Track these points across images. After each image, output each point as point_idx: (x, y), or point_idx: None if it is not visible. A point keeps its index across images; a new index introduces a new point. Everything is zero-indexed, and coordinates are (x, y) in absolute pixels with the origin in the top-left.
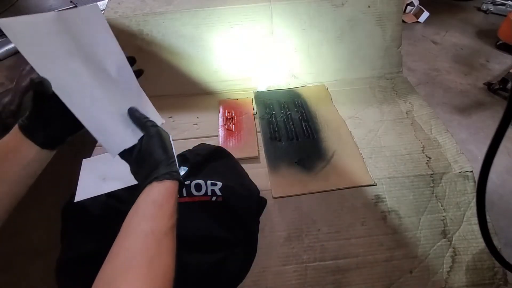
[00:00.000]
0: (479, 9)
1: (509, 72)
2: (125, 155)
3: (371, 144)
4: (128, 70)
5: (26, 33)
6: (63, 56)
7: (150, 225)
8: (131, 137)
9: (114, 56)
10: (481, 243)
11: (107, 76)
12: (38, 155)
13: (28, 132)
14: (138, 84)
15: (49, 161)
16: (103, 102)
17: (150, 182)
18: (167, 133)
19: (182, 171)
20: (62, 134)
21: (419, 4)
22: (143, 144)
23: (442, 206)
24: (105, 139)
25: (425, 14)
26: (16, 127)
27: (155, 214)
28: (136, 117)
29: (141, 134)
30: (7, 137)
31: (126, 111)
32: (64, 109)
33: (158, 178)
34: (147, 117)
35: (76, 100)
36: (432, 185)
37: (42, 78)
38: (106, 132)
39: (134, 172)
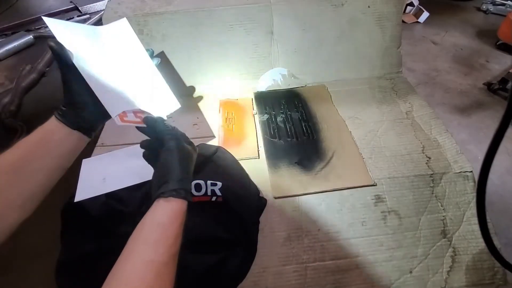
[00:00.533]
0: (479, 9)
1: (509, 72)
2: (150, 158)
3: (371, 144)
4: (147, 60)
5: (61, 24)
6: (85, 41)
7: (150, 253)
8: (128, 104)
9: (135, 51)
10: (481, 243)
11: (122, 61)
12: (69, 137)
13: (60, 115)
14: (157, 71)
15: (82, 148)
16: (112, 75)
17: (158, 197)
18: (192, 149)
19: None
20: (90, 118)
21: (419, 4)
22: (161, 155)
23: (442, 206)
24: (105, 100)
25: (425, 14)
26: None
27: (158, 239)
28: (159, 129)
29: (140, 106)
30: (45, 123)
31: (135, 87)
32: (90, 95)
33: (164, 194)
34: (170, 131)
35: (88, 70)
36: (432, 185)
37: (59, 42)
38: (107, 95)
39: (153, 179)
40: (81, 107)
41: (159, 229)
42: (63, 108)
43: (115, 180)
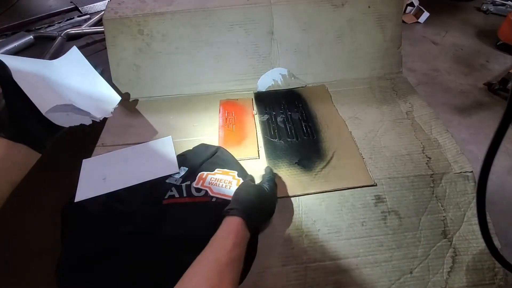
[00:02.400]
0: (479, 10)
1: (509, 72)
2: None
3: (371, 145)
4: (91, 70)
5: (12, 57)
6: (30, 64)
7: (214, 255)
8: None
9: (81, 66)
10: (481, 243)
11: (69, 76)
12: (12, 151)
13: (1, 129)
14: (100, 77)
15: (32, 163)
16: (56, 87)
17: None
18: (271, 192)
19: (182, 171)
20: (35, 131)
21: (419, 4)
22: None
23: (442, 206)
24: (46, 110)
25: (425, 15)
26: None
27: (219, 245)
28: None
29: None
30: None
31: (80, 94)
32: (32, 108)
33: (222, 213)
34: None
35: (29, 85)
36: (432, 185)
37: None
38: (48, 104)
39: None
40: (24, 120)
41: (219, 238)
42: (5, 123)
43: (115, 180)
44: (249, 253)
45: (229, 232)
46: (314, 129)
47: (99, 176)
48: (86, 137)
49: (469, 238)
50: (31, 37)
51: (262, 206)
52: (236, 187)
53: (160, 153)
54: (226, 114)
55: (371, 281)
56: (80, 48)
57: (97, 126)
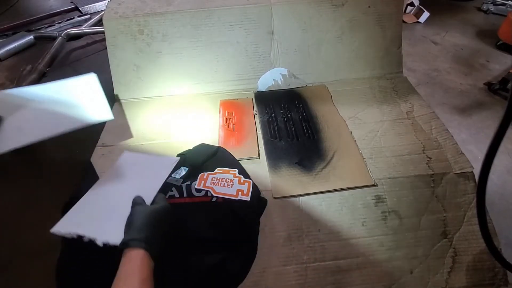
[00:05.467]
0: (479, 9)
1: (509, 72)
2: None
3: (372, 145)
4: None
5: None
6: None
7: None
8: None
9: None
10: (481, 243)
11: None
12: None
13: None
14: None
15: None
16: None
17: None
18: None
19: (183, 171)
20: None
21: (419, 4)
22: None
23: (442, 206)
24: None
25: (425, 14)
26: None
27: (126, 286)
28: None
29: None
30: None
31: None
32: None
33: (120, 246)
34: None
35: None
36: (432, 185)
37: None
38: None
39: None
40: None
41: (124, 279)
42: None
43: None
44: (250, 253)
45: (134, 269)
46: (314, 129)
47: (13, 127)
48: (86, 137)
49: (469, 238)
50: (32, 37)
51: (163, 229)
52: (238, 185)
53: (86, 94)
54: (226, 114)
55: (372, 281)
56: (80, 48)
57: (97, 126)
